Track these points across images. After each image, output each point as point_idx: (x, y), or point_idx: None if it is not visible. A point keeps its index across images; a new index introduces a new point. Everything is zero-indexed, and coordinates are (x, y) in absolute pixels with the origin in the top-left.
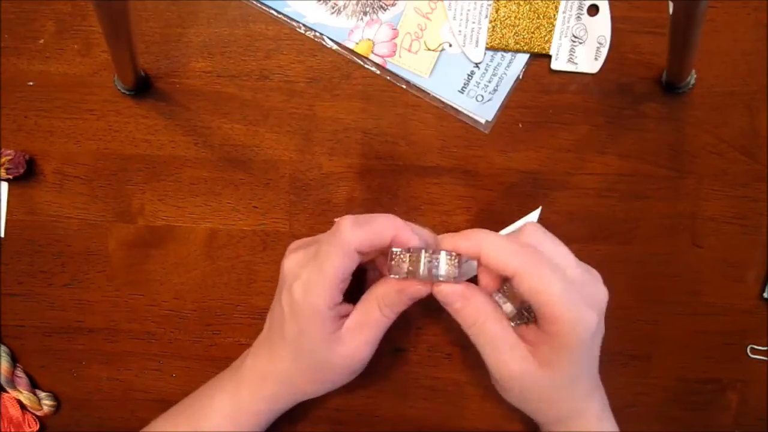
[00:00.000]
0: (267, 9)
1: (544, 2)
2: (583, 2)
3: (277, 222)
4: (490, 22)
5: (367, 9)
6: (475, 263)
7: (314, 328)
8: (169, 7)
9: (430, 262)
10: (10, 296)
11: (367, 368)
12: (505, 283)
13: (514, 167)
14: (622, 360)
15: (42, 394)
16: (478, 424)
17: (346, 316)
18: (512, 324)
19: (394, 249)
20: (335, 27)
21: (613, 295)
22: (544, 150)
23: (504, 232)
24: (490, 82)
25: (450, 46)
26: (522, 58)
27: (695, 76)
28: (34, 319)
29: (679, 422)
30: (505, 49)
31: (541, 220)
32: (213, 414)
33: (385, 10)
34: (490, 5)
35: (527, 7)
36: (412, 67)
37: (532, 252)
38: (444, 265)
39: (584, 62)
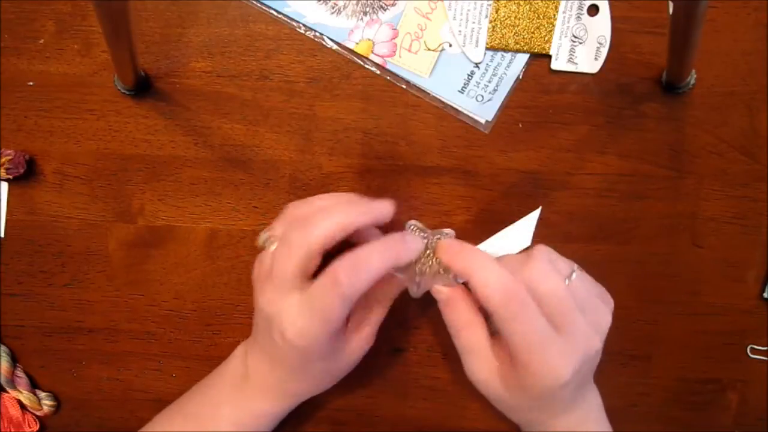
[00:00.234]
0: (267, 9)
1: (544, 2)
2: (583, 2)
3: None
4: (490, 22)
5: (367, 9)
6: None
7: (319, 355)
8: (169, 7)
9: (423, 274)
10: (10, 296)
11: (367, 368)
12: None
13: (514, 167)
14: (622, 360)
15: (42, 394)
16: (478, 424)
17: (347, 317)
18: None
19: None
20: (335, 27)
21: (613, 295)
22: (544, 150)
23: (503, 232)
24: (490, 82)
25: (450, 46)
26: (522, 58)
27: (695, 76)
28: (34, 319)
29: (679, 422)
30: (505, 49)
31: (541, 220)
32: (223, 421)
33: (385, 10)
34: (490, 5)
35: (527, 7)
36: (412, 67)
37: (517, 295)
38: (437, 281)
39: (584, 62)
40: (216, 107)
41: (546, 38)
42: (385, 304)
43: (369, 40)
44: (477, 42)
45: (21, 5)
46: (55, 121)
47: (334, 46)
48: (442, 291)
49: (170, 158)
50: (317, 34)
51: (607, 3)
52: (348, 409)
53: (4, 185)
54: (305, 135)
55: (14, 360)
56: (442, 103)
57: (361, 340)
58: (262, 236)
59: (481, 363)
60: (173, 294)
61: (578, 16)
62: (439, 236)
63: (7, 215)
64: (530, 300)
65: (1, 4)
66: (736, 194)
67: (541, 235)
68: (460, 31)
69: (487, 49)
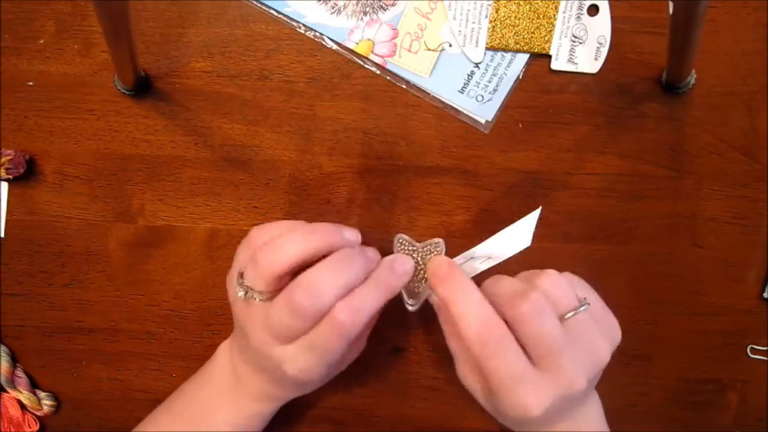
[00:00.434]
0: (267, 9)
1: (544, 2)
2: (583, 2)
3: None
4: (490, 22)
5: (367, 9)
6: (476, 264)
7: (316, 380)
8: (169, 7)
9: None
10: (10, 296)
11: (367, 368)
12: None
13: (514, 167)
14: (623, 360)
15: (42, 394)
16: (478, 424)
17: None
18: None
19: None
20: (335, 27)
21: (613, 295)
22: (544, 150)
23: (503, 232)
24: (490, 82)
25: (450, 46)
26: (522, 58)
27: (695, 76)
28: (34, 319)
29: (679, 422)
30: (505, 49)
31: (541, 220)
32: (218, 423)
33: (385, 10)
34: (490, 5)
35: (527, 7)
36: (412, 67)
37: (493, 332)
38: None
39: (584, 62)
40: (216, 107)
41: (546, 38)
42: (374, 315)
43: (369, 40)
44: (477, 42)
45: (21, 5)
46: (55, 121)
47: (334, 46)
48: (435, 300)
49: (170, 158)
50: (317, 34)
51: (607, 3)
52: (347, 408)
53: (4, 185)
54: (305, 135)
55: (14, 360)
56: (442, 103)
57: (352, 349)
58: (238, 290)
59: (468, 371)
60: (173, 294)
61: (578, 16)
62: (429, 247)
63: (7, 215)
64: (509, 338)
65: (1, 4)
66: (736, 194)
67: (541, 235)
68: (460, 31)
69: (487, 49)
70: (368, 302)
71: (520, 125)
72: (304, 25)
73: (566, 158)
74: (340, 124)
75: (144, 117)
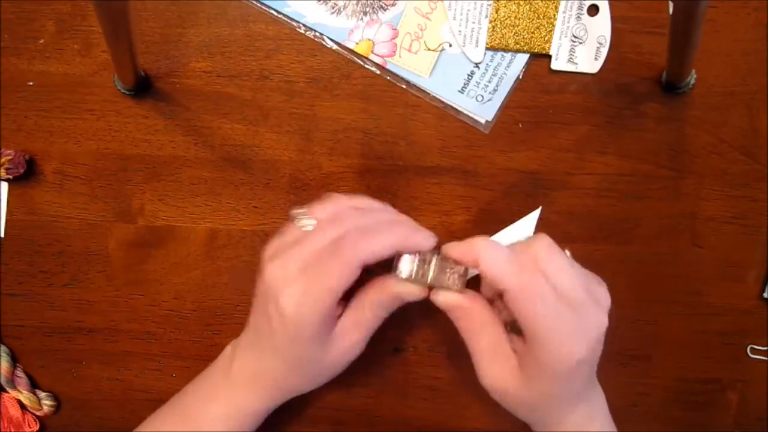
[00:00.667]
0: (267, 9)
1: (544, 2)
2: (583, 2)
3: (277, 222)
4: (490, 22)
5: (367, 9)
6: None
7: (308, 339)
8: (169, 7)
9: (439, 271)
10: (10, 296)
11: (367, 368)
12: None
13: (514, 167)
14: (622, 360)
15: (42, 394)
16: (478, 424)
17: (340, 314)
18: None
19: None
20: (335, 27)
21: (613, 295)
22: (544, 150)
23: (503, 232)
24: (490, 82)
25: (450, 46)
26: (522, 58)
27: (695, 76)
28: (34, 319)
29: (679, 422)
30: (505, 49)
31: (541, 220)
32: (210, 419)
33: (385, 10)
34: (490, 5)
35: (527, 7)
36: (412, 67)
37: (529, 271)
38: (454, 279)
39: (584, 62)
40: (216, 107)
41: (546, 38)
42: (380, 314)
43: (369, 40)
44: (477, 42)
45: (21, 5)
46: (55, 121)
47: (334, 46)
48: (454, 299)
49: (170, 158)
50: (317, 34)
51: (607, 3)
52: (348, 409)
53: (4, 185)
54: (305, 135)
55: (14, 360)
56: (442, 103)
57: (350, 343)
58: (300, 211)
59: (502, 362)
60: (173, 294)
61: (578, 16)
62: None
63: (7, 215)
64: (543, 278)
65: (1, 4)
66: (736, 194)
67: None
68: (460, 31)
69: (487, 49)
70: (375, 240)
71: (520, 125)
72: (304, 25)
73: (566, 158)
74: (340, 124)
75: (144, 117)
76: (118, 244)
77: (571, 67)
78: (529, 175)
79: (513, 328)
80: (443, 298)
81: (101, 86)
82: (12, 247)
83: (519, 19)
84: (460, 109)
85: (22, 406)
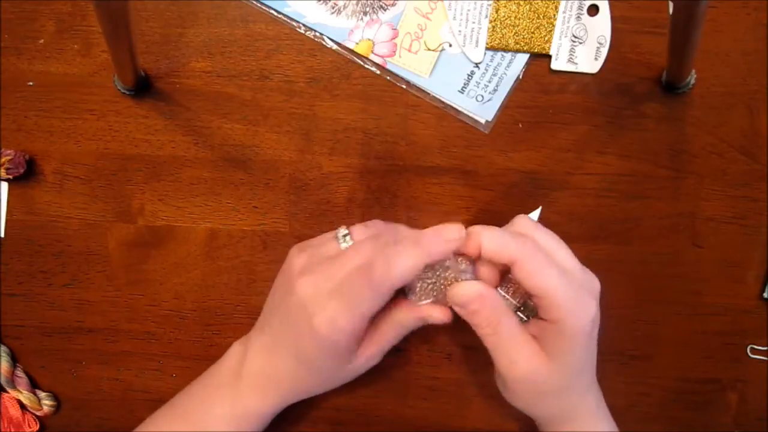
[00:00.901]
0: (267, 9)
1: (544, 2)
2: (583, 2)
3: (277, 222)
4: (490, 22)
5: (367, 9)
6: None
7: (336, 355)
8: (169, 7)
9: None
10: (10, 296)
11: None
12: (504, 281)
13: (514, 167)
14: (622, 360)
15: (42, 394)
16: (478, 424)
17: (365, 329)
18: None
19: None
20: (335, 27)
21: (613, 295)
22: (544, 150)
23: None
24: (490, 82)
25: (450, 46)
26: (522, 58)
27: (695, 76)
28: (34, 319)
29: (679, 422)
30: (505, 49)
31: (541, 220)
32: (214, 420)
33: (385, 10)
34: (490, 5)
35: (527, 7)
36: (412, 67)
37: (528, 240)
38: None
39: (584, 62)
40: (216, 107)
41: (546, 38)
42: (402, 333)
43: (369, 40)
44: (477, 42)
45: (21, 5)
46: (55, 121)
47: (334, 46)
48: (473, 289)
49: (170, 158)
50: (317, 34)
51: (607, 3)
52: (348, 409)
53: (4, 185)
54: (305, 135)
55: (14, 360)
56: (442, 103)
57: (369, 355)
58: (342, 230)
59: (526, 346)
60: (173, 294)
61: (578, 16)
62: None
63: (7, 215)
64: (539, 244)
65: (1, 4)
66: (736, 194)
67: None
68: (460, 31)
69: (487, 49)
70: (403, 257)
71: (520, 125)
72: (304, 25)
73: (566, 158)
74: (340, 124)
75: (144, 117)
76: (118, 244)
77: (571, 67)
78: (529, 175)
79: (519, 313)
80: (462, 291)
81: (101, 86)
82: (12, 247)
83: (519, 19)
84: (460, 109)
85: (22, 406)
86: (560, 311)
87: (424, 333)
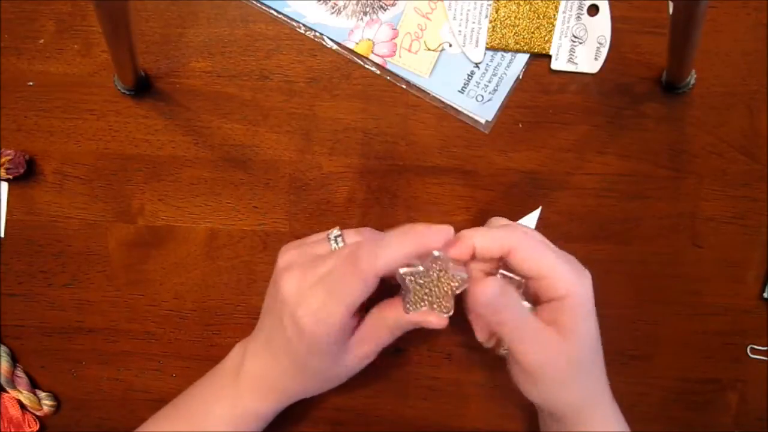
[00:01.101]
0: (267, 9)
1: (544, 2)
2: (583, 2)
3: (277, 222)
4: (490, 22)
5: (367, 9)
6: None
7: (323, 350)
8: (169, 7)
9: (439, 287)
10: (10, 296)
11: (367, 368)
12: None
13: (514, 167)
14: (622, 360)
15: (42, 394)
16: (478, 424)
17: (356, 325)
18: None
19: (406, 279)
20: (335, 27)
21: (613, 295)
22: (544, 150)
23: None
24: (490, 82)
25: (450, 46)
26: (522, 58)
27: (695, 76)
28: (34, 319)
29: (679, 422)
30: (505, 49)
31: (541, 220)
32: (215, 420)
33: (385, 10)
34: (490, 5)
35: (527, 7)
36: (412, 67)
37: (518, 228)
38: (452, 291)
39: (584, 62)
40: (216, 107)
41: (546, 38)
42: (394, 332)
43: (369, 40)
44: (477, 42)
45: (21, 5)
46: (55, 121)
47: (334, 46)
48: (495, 284)
49: (170, 158)
50: (317, 34)
51: (607, 3)
52: (348, 409)
53: (4, 185)
54: (305, 135)
55: (14, 360)
56: (442, 103)
57: (363, 353)
58: (335, 231)
59: (545, 332)
60: (173, 294)
61: (578, 16)
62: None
63: (7, 215)
64: (531, 232)
65: (1, 4)
66: (736, 194)
67: None
68: (460, 31)
69: (487, 49)
70: (390, 245)
71: (520, 125)
72: (304, 25)
73: (566, 158)
74: (340, 124)
75: (144, 117)
76: (118, 244)
77: (571, 67)
78: (529, 175)
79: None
80: (488, 290)
81: (101, 86)
82: (12, 247)
83: (519, 19)
84: (460, 109)
85: (22, 406)
86: (564, 285)
87: (424, 333)
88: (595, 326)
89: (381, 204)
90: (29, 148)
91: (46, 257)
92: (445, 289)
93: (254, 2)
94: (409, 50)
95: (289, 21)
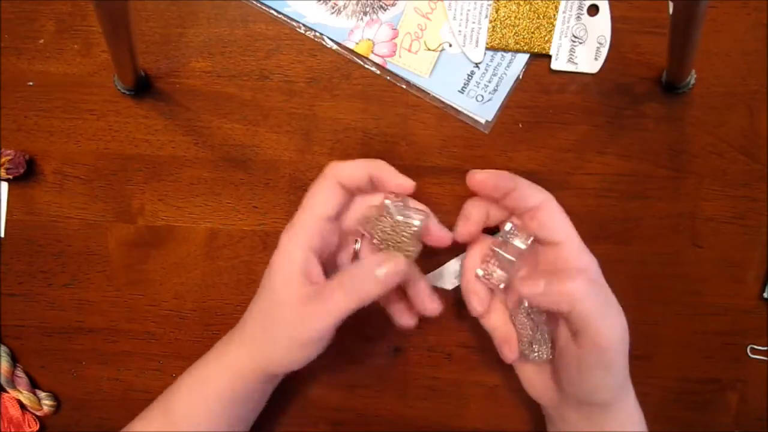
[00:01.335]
0: (267, 9)
1: (544, 2)
2: (583, 2)
3: (277, 222)
4: (490, 22)
5: (367, 9)
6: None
7: (288, 284)
8: (169, 7)
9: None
10: (10, 296)
11: (367, 368)
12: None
13: (514, 167)
14: None
15: (42, 394)
16: (478, 424)
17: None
18: (536, 358)
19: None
20: (335, 27)
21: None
22: (544, 150)
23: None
24: (490, 82)
25: (450, 46)
26: (522, 58)
27: (695, 76)
28: (34, 319)
29: (679, 422)
30: (505, 49)
31: None
32: (209, 372)
33: (385, 10)
34: (490, 5)
35: (527, 7)
36: (412, 67)
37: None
38: (409, 234)
39: (584, 62)
40: (216, 107)
41: (546, 38)
42: (361, 297)
43: (369, 40)
44: (477, 42)
45: (21, 5)
46: (55, 121)
47: (334, 46)
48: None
49: (170, 158)
50: (317, 34)
51: (607, 3)
52: (348, 409)
53: (4, 185)
54: (305, 135)
55: (14, 360)
56: (442, 103)
57: (333, 305)
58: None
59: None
60: (173, 294)
61: (578, 16)
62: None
63: (7, 215)
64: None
65: (1, 4)
66: (736, 194)
67: None
68: (460, 31)
69: (487, 49)
70: (353, 162)
71: (520, 125)
72: (304, 25)
73: (566, 158)
74: (340, 124)
75: (144, 117)
76: (118, 244)
77: (571, 67)
78: (529, 175)
79: (535, 346)
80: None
81: (101, 86)
82: (12, 247)
83: (519, 19)
84: (460, 109)
85: (22, 406)
86: (584, 257)
87: (424, 333)
88: (616, 302)
89: None
90: (29, 148)
91: (46, 257)
92: (406, 233)
93: (254, 2)
94: (409, 50)
95: (289, 21)
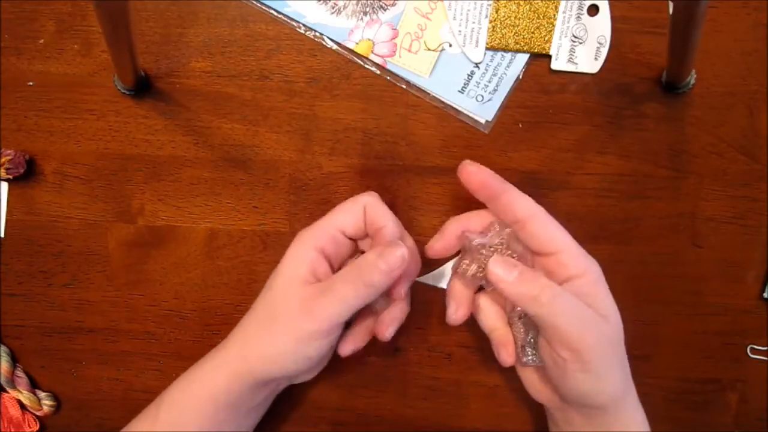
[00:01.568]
0: (267, 9)
1: (544, 2)
2: (583, 2)
3: (277, 222)
4: (490, 22)
5: (367, 9)
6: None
7: (291, 283)
8: (169, 7)
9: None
10: (10, 296)
11: (367, 368)
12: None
13: (514, 167)
14: None
15: (42, 394)
16: (478, 424)
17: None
18: (530, 362)
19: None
20: (335, 27)
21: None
22: (544, 150)
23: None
24: (490, 82)
25: (450, 46)
26: (522, 58)
27: (695, 76)
28: (34, 319)
29: (679, 422)
30: (505, 49)
31: None
32: (205, 374)
33: (385, 10)
34: (490, 5)
35: (527, 7)
36: (412, 67)
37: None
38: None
39: (584, 62)
40: (216, 107)
41: (546, 38)
42: (366, 286)
43: (369, 40)
44: (477, 42)
45: (21, 5)
46: (55, 121)
47: (334, 46)
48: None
49: (170, 158)
50: (317, 34)
51: (607, 3)
52: (348, 409)
53: (4, 185)
54: (305, 135)
55: (14, 360)
56: (442, 103)
57: (338, 297)
58: None
59: (587, 314)
60: (173, 294)
61: (578, 16)
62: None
63: (7, 215)
64: None
65: (1, 4)
66: (736, 194)
67: None
68: (460, 31)
69: (487, 49)
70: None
71: (520, 125)
72: (304, 25)
73: (566, 158)
74: (340, 124)
75: (144, 117)
76: (118, 244)
77: (571, 67)
78: (529, 175)
79: (529, 352)
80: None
81: (101, 86)
82: (12, 247)
83: (519, 19)
84: (460, 109)
85: (22, 406)
86: (583, 262)
87: (424, 333)
88: (613, 301)
89: None
90: (29, 148)
91: (46, 257)
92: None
93: (254, 2)
94: (409, 50)
95: (289, 21)
